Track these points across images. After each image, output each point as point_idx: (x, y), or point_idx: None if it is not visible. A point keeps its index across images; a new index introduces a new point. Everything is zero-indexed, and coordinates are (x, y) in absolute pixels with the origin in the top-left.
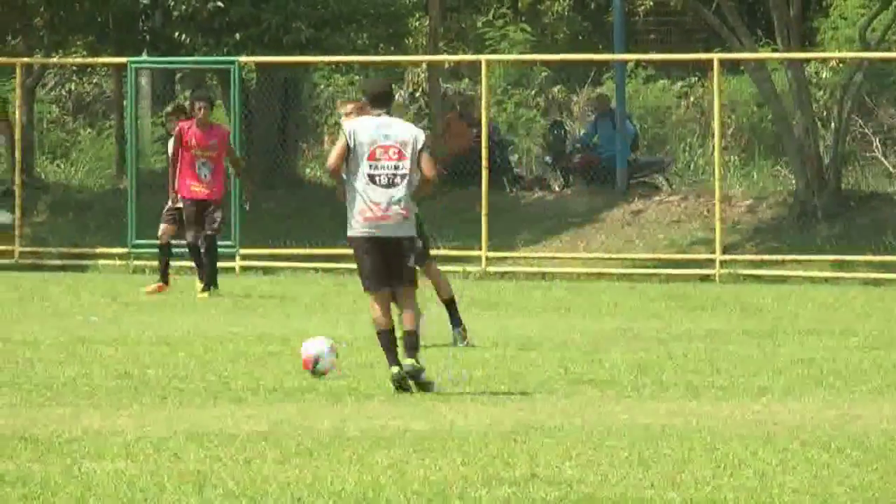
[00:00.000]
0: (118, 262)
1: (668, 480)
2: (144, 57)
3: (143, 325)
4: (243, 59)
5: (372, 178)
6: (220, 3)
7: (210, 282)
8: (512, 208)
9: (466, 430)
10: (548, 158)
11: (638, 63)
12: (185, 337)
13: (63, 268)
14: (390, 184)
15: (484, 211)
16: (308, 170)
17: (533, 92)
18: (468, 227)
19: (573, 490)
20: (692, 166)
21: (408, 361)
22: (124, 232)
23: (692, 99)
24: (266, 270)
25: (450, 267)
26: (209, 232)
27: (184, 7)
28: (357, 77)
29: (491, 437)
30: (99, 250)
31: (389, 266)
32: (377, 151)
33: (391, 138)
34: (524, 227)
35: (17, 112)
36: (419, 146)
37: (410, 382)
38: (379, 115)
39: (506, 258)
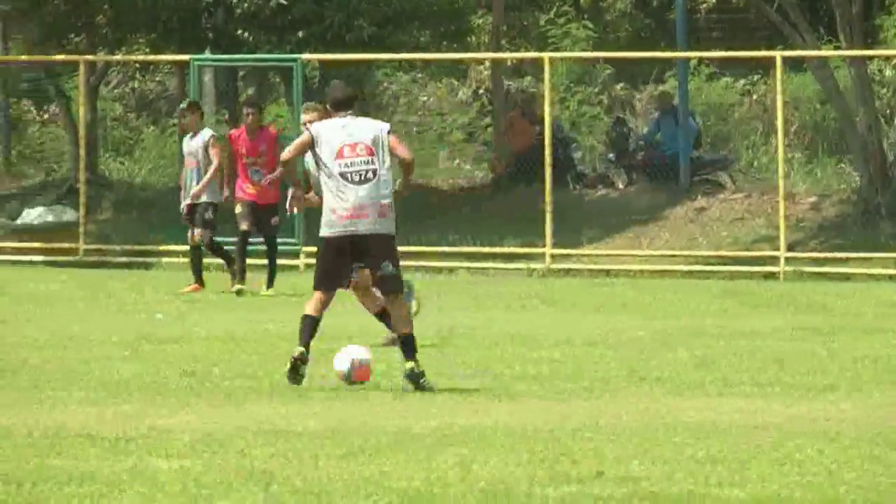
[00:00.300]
0: (182, 260)
1: (733, 478)
2: (207, 54)
3: (207, 322)
4: (306, 56)
5: (344, 175)
6: (282, 1)
7: (271, 279)
8: (575, 206)
9: (532, 428)
10: (611, 156)
11: (700, 60)
12: (250, 334)
13: (127, 265)
14: (363, 180)
15: (548, 208)
16: None
17: (596, 89)
18: (532, 224)
19: (639, 488)
20: (755, 164)
21: (408, 364)
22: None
23: (755, 96)
24: None
25: (514, 264)
26: (267, 234)
27: (246, 4)
28: (420, 75)
29: (556, 435)
30: (162, 248)
31: (354, 264)
32: (345, 150)
33: (357, 136)
34: (588, 224)
35: (80, 109)
36: (385, 137)
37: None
38: (343, 116)
39: (570, 255)
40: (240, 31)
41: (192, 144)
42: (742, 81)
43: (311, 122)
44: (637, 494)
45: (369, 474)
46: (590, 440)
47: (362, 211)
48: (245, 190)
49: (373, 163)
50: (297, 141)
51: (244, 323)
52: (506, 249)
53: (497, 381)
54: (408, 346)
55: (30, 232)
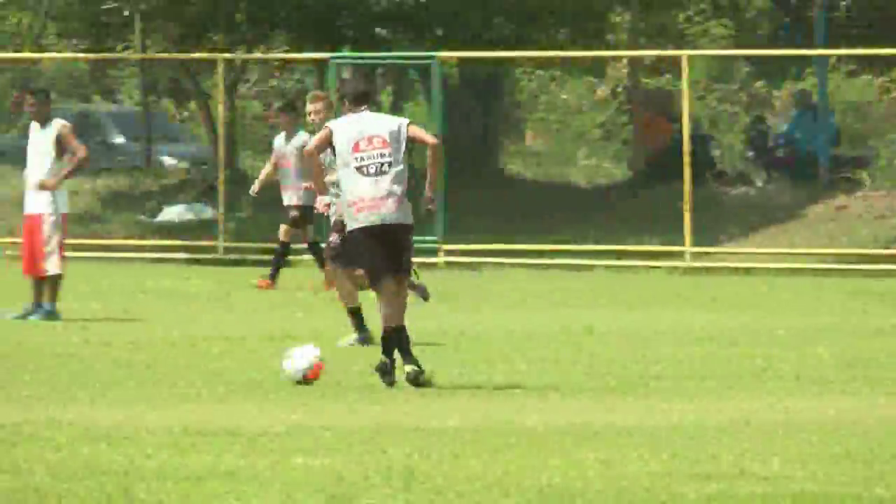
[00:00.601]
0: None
1: (877, 477)
2: (345, 52)
3: (344, 320)
4: (444, 54)
5: (360, 169)
6: None
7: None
8: (715, 204)
9: (673, 426)
10: (750, 153)
11: (839, 58)
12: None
13: (266, 263)
14: (378, 172)
15: (687, 206)
16: (510, 165)
17: (735, 87)
18: (671, 222)
19: (781, 486)
20: None
21: (409, 367)
22: (324, 227)
23: (894, 94)
24: (470, 266)
25: (654, 262)
26: None
27: (385, 2)
28: (558, 73)
29: (697, 432)
30: (300, 245)
31: (388, 255)
32: (361, 143)
33: (373, 129)
34: (727, 222)
35: (219, 108)
36: (404, 130)
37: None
38: (360, 111)
39: (710, 253)
40: (378, 29)
41: (286, 146)
42: (882, 79)
43: (316, 111)
44: (779, 493)
45: (510, 472)
46: (729, 438)
47: (380, 202)
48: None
49: (388, 155)
50: (319, 135)
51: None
52: (645, 248)
53: (635, 379)
54: (406, 342)
55: (170, 230)
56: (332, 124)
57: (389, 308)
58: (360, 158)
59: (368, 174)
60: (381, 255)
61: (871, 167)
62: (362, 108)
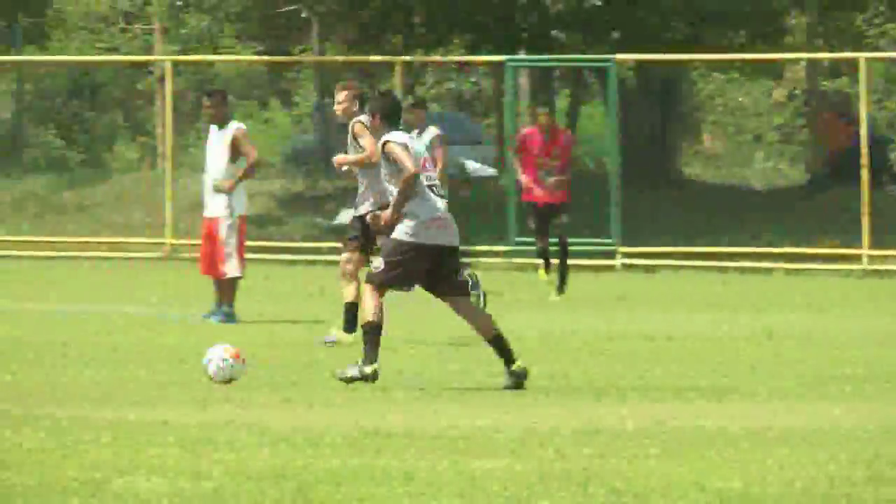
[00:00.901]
0: (501, 260)
1: None
2: (522, 55)
3: (524, 322)
4: (621, 56)
5: (430, 188)
6: (597, 2)
7: (562, 283)
8: (892, 206)
9: (849, 429)
10: None
11: None
12: (564, 336)
13: None
14: (439, 193)
15: (865, 209)
16: (687, 168)
17: None
18: (848, 225)
19: None
20: None
21: (517, 365)
22: (507, 229)
23: None
24: (647, 269)
25: (831, 265)
26: (558, 235)
27: (562, 5)
28: (735, 75)
29: (874, 436)
30: (482, 248)
31: (439, 274)
32: (426, 163)
33: (423, 151)
34: None
35: None
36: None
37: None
38: (402, 129)
39: (888, 256)
40: (554, 32)
41: (417, 143)
42: None
43: (343, 103)
44: None
45: (687, 475)
46: None
47: (446, 221)
48: (533, 192)
49: (433, 177)
50: (405, 153)
51: (558, 324)
52: (823, 250)
53: (812, 381)
54: (505, 347)
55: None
56: (406, 140)
57: (479, 321)
58: (427, 179)
59: (436, 193)
60: (422, 272)
61: None
62: (400, 126)
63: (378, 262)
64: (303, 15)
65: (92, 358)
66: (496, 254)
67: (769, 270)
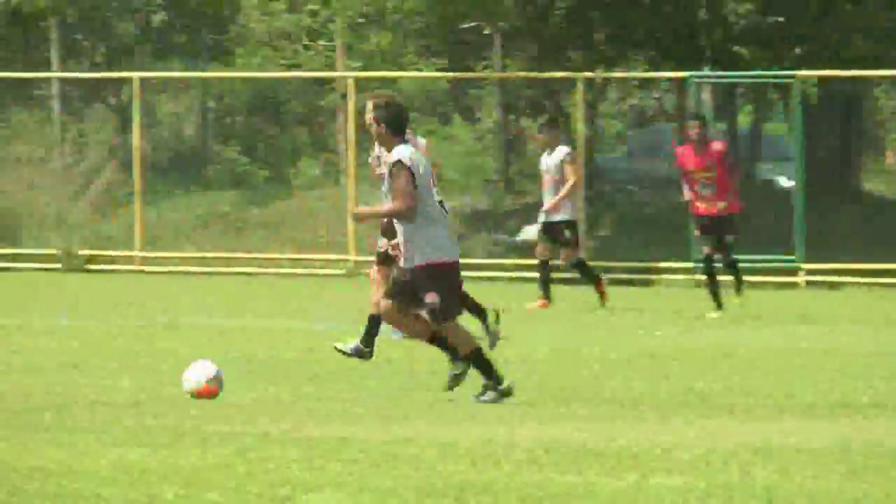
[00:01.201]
0: (681, 277)
1: None
2: (705, 71)
3: (708, 339)
4: (804, 73)
5: (441, 203)
6: (780, 18)
7: (739, 289)
8: None
9: None
10: None
11: None
12: (748, 352)
13: (629, 282)
14: (444, 209)
15: None
16: (869, 184)
17: None
18: None
19: None
20: None
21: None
22: (688, 246)
23: None
24: (831, 285)
25: None
26: (723, 257)
27: (744, 21)
28: None
29: None
30: (663, 265)
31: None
32: (430, 180)
33: (429, 171)
34: None
35: (578, 126)
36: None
37: None
38: (407, 141)
39: None
40: (737, 48)
41: (549, 161)
42: None
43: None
44: None
45: (872, 493)
46: None
47: (454, 238)
48: (697, 206)
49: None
50: (406, 187)
51: (741, 340)
52: None
53: None
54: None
55: (529, 249)
56: (406, 155)
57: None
58: (437, 194)
59: (446, 209)
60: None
61: None
62: (406, 137)
63: (431, 299)
64: (485, 31)
65: (277, 373)
66: (677, 270)
67: None
